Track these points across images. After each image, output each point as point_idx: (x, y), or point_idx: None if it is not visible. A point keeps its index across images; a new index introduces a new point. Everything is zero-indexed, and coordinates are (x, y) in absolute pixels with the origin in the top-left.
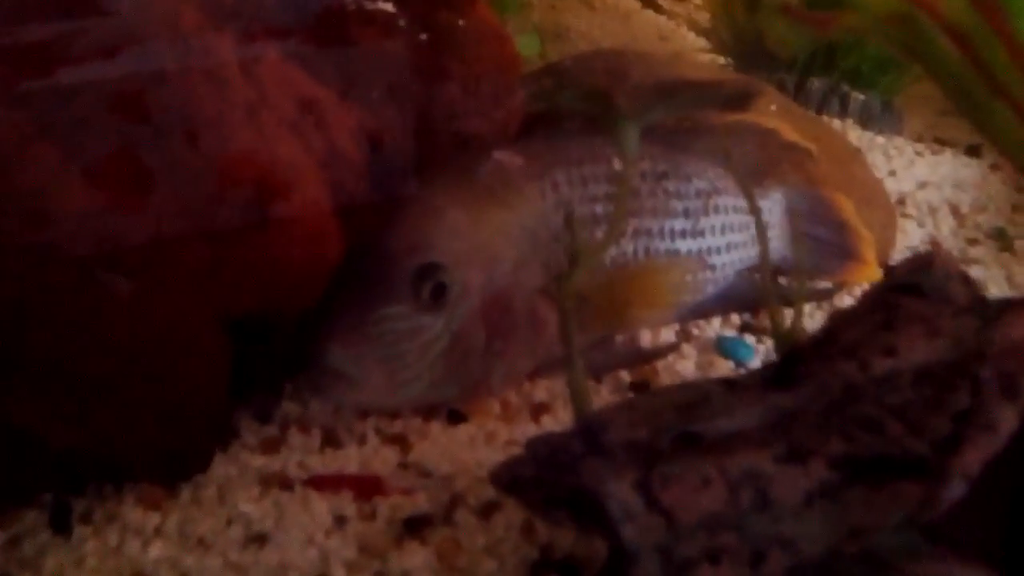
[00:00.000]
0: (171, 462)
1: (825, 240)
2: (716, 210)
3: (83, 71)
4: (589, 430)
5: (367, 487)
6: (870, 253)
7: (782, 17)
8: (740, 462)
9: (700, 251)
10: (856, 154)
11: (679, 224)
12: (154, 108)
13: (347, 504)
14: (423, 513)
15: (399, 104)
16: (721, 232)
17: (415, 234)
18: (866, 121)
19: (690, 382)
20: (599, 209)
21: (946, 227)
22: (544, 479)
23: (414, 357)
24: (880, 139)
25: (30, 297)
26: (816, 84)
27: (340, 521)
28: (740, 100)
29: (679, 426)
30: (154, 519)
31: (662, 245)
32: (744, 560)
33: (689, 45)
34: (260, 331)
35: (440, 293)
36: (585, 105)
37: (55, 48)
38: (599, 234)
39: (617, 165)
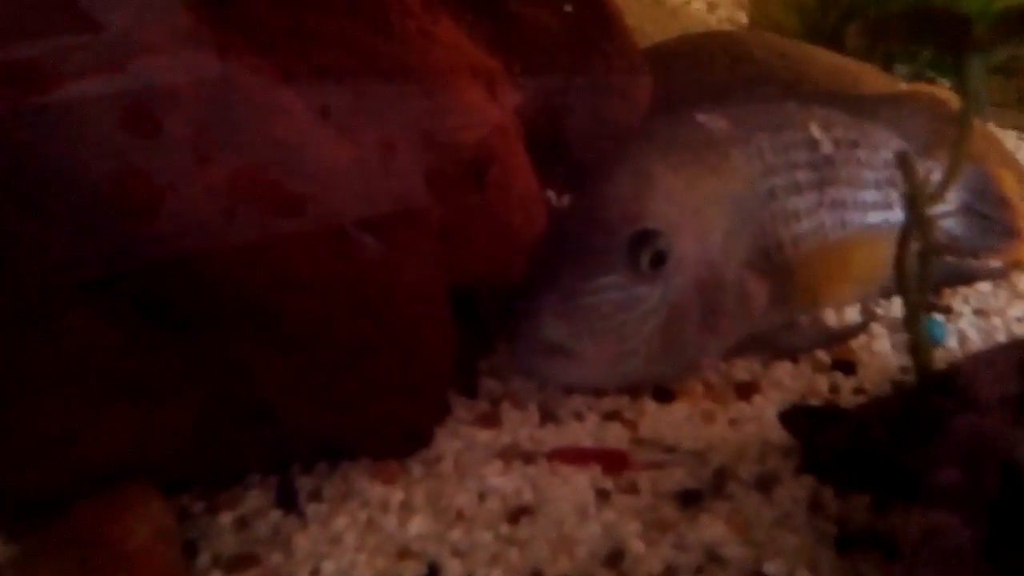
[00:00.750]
0: (401, 437)
1: (989, 217)
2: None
3: (321, 23)
4: (955, 386)
5: (614, 461)
6: None
7: None
8: None
9: (889, 224)
10: (995, 136)
11: (871, 196)
12: (386, 61)
13: (600, 478)
14: (691, 488)
15: (546, 76)
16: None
17: (628, 199)
18: None
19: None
20: (800, 177)
21: None
22: (889, 441)
23: (632, 330)
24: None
25: (289, 253)
26: (900, 70)
27: (603, 495)
28: None
29: None
30: (397, 494)
31: (856, 217)
32: None
33: None
34: (465, 302)
35: (658, 261)
36: (936, 35)
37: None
38: (801, 203)
39: (815, 132)
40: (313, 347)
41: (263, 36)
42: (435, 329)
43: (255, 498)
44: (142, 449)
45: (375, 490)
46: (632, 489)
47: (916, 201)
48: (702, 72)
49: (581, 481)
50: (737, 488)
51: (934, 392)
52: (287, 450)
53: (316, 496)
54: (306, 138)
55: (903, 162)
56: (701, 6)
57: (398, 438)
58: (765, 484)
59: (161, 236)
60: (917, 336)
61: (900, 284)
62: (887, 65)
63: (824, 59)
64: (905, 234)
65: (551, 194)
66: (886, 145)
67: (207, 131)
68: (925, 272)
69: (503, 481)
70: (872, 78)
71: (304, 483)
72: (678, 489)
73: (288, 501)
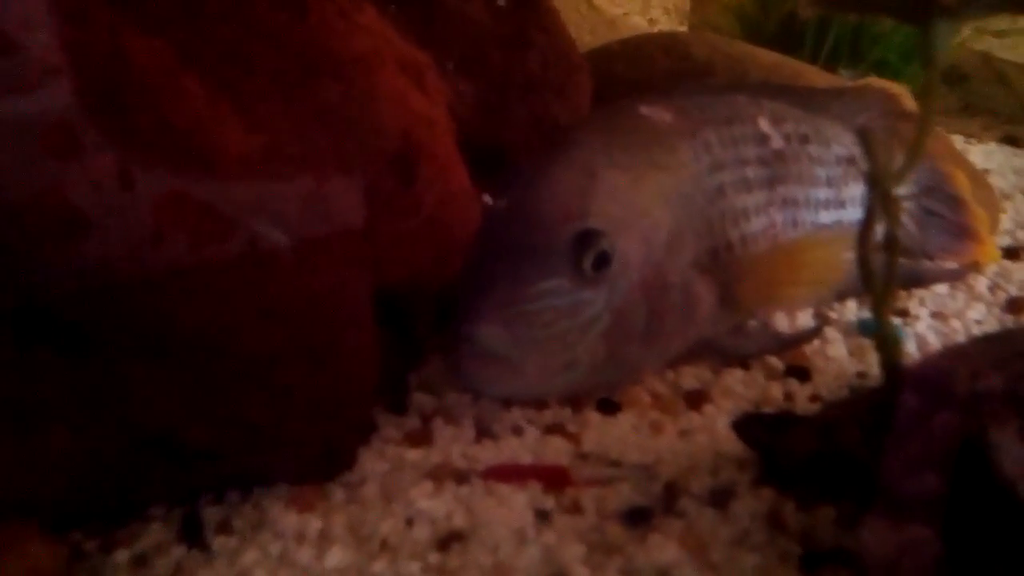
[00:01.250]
0: (320, 459)
1: (944, 217)
2: (856, 179)
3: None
4: (928, 383)
5: (555, 478)
6: (986, 232)
7: None
8: None
9: (841, 224)
10: (946, 135)
11: (823, 194)
12: (297, 43)
13: (540, 497)
14: (639, 505)
15: (477, 74)
16: (860, 204)
17: (569, 197)
18: None
19: (1001, 331)
20: (750, 173)
21: None
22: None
23: (575, 337)
24: None
25: (180, 262)
26: (844, 75)
27: (543, 516)
28: None
29: None
30: (314, 523)
31: (808, 216)
32: None
33: None
34: (394, 310)
35: (602, 263)
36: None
37: None
38: (751, 201)
39: (765, 126)
40: (216, 363)
41: (158, 13)
42: (357, 338)
43: (156, 532)
44: (25, 482)
45: (290, 519)
46: (575, 508)
47: (881, 181)
48: (643, 72)
49: (519, 501)
50: (689, 504)
51: (905, 389)
52: (194, 478)
53: (225, 528)
54: (206, 125)
55: (865, 140)
56: (641, 20)
57: (316, 460)
58: (720, 499)
59: (36, 236)
60: (885, 328)
61: (864, 274)
62: (829, 68)
63: (766, 57)
64: (869, 220)
65: (487, 198)
66: (838, 140)
67: (91, 119)
68: (892, 259)
69: (433, 504)
70: (814, 76)
71: (212, 514)
72: (625, 507)
73: (193, 535)
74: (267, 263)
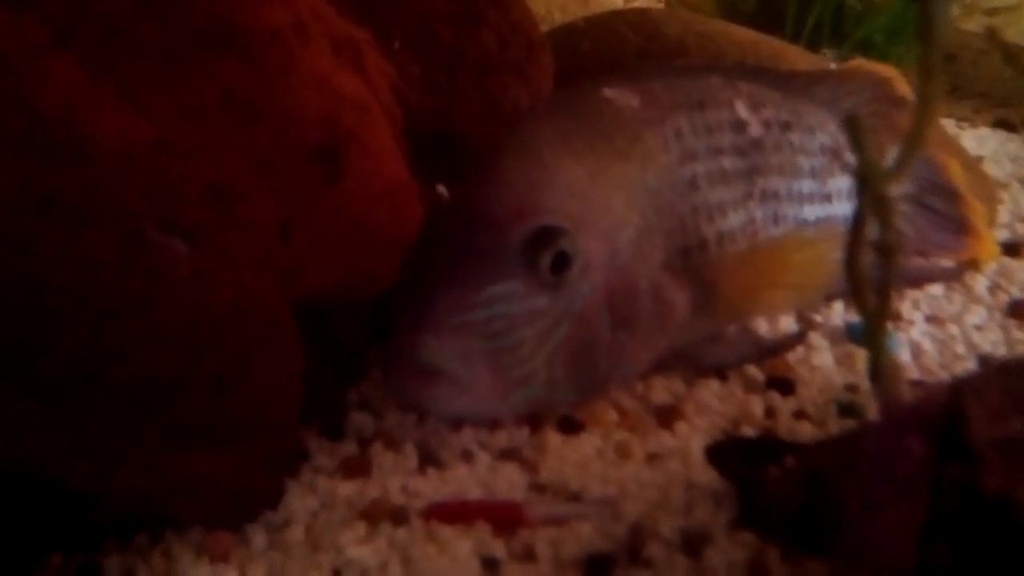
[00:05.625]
0: (234, 497)
1: (939, 211)
2: (842, 171)
3: None
4: (937, 425)
5: (507, 518)
6: (984, 227)
7: None
8: None
9: (827, 220)
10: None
11: (806, 186)
12: (193, 16)
13: (489, 541)
14: (601, 551)
15: (425, 53)
16: (847, 198)
17: (523, 191)
18: None
19: (1019, 360)
20: (726, 164)
21: None
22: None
23: (530, 349)
24: None
25: (55, 268)
26: (827, 55)
27: (491, 565)
28: None
29: None
30: (229, 574)
31: (790, 211)
32: None
33: None
34: (323, 321)
35: (561, 265)
36: None
37: None
38: (727, 195)
39: (742, 111)
40: (96, 392)
41: None
42: (270, 358)
43: None
44: None
45: (201, 570)
46: (528, 555)
47: (871, 178)
48: (611, 52)
49: (463, 548)
50: (658, 550)
51: (904, 433)
52: (93, 523)
53: None
54: (80, 112)
55: (852, 129)
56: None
57: (230, 500)
58: (693, 544)
59: None
60: (879, 356)
61: (854, 289)
62: (811, 48)
63: (743, 36)
64: (859, 226)
65: (441, 189)
66: (823, 128)
67: None
68: (887, 275)
69: (364, 552)
70: (796, 56)
71: (115, 563)
72: (585, 553)
73: None
74: (157, 275)
